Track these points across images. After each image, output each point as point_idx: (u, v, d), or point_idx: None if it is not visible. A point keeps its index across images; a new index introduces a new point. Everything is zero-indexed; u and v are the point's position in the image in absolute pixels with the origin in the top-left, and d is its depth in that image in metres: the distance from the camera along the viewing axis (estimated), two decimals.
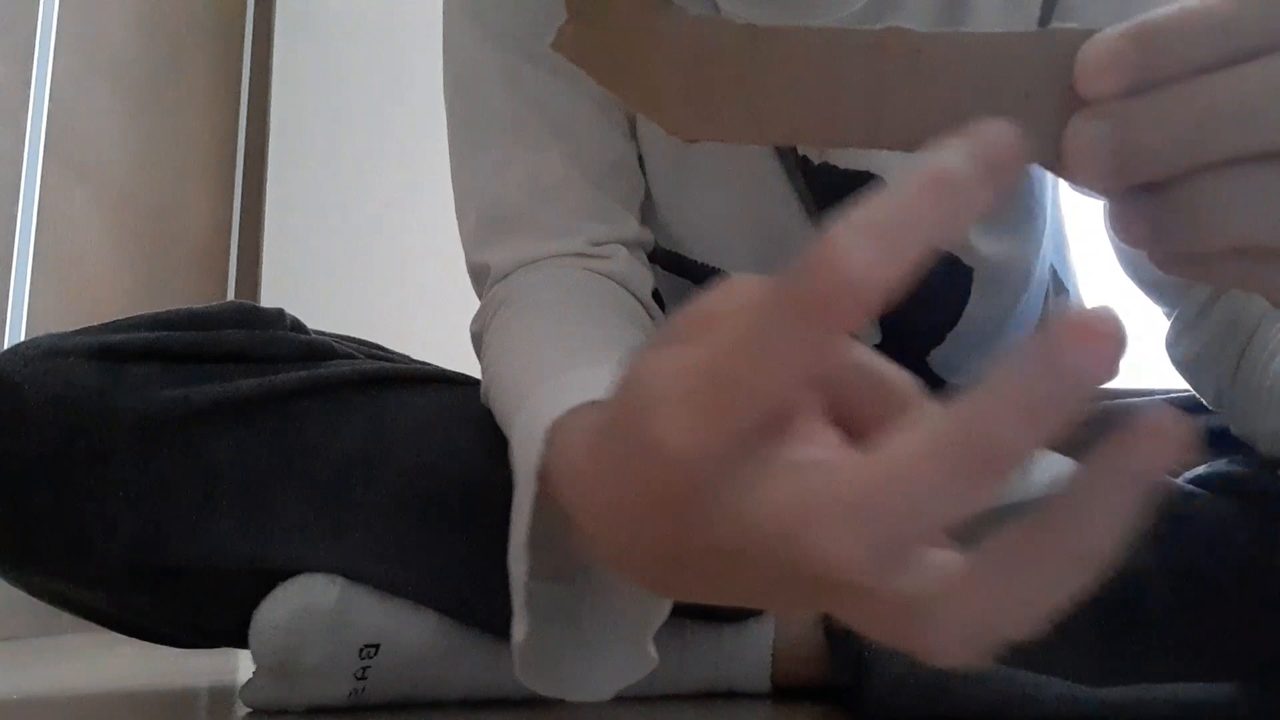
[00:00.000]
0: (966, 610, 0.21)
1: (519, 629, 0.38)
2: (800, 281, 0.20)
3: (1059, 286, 0.83)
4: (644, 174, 0.71)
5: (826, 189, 0.66)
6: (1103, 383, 0.19)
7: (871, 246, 0.20)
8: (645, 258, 0.68)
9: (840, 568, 0.21)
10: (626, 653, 0.41)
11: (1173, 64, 0.26)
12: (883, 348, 0.74)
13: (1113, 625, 0.58)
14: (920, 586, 0.22)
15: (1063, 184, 0.78)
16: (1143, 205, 0.27)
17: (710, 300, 0.25)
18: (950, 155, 0.21)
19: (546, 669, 0.41)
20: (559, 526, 0.42)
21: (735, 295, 0.24)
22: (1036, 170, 0.75)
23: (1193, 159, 0.26)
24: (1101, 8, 0.63)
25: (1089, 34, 0.26)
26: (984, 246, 0.72)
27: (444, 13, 0.71)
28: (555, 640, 0.41)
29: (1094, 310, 0.19)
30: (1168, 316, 0.66)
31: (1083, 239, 0.89)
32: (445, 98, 0.70)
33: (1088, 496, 0.21)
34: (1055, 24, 0.64)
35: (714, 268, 0.73)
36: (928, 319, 0.73)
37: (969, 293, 0.73)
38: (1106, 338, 0.19)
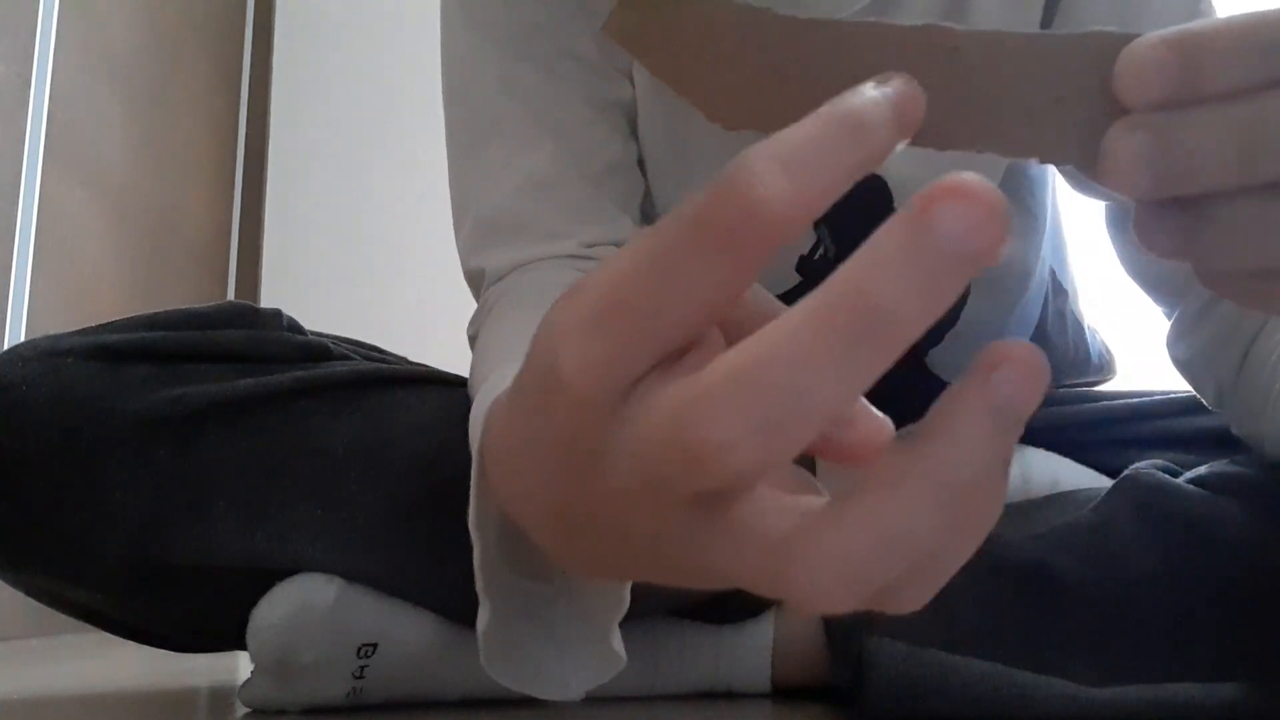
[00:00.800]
0: (833, 549, 0.20)
1: (481, 616, 0.38)
2: (709, 207, 0.20)
3: (1058, 288, 0.83)
4: (646, 173, 0.71)
5: None
6: (982, 249, 0.19)
7: (784, 177, 0.19)
8: None
9: (722, 455, 0.20)
10: (595, 652, 0.40)
11: (1215, 78, 0.25)
12: None
13: (1112, 625, 0.58)
14: (787, 524, 0.21)
15: (1061, 185, 0.78)
16: (1173, 217, 0.27)
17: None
18: (862, 98, 0.21)
19: (516, 664, 0.40)
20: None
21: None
22: (1036, 171, 0.76)
23: (1240, 180, 0.26)
24: (1101, 7, 0.63)
25: (1128, 38, 0.25)
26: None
27: (441, 16, 0.71)
28: (525, 636, 0.40)
29: (967, 176, 0.19)
30: (1168, 316, 0.66)
31: (1081, 240, 0.89)
32: (443, 101, 0.70)
33: (947, 427, 0.20)
34: (1092, 27, 0.64)
35: None
36: None
37: (967, 292, 0.73)
38: (976, 198, 0.18)
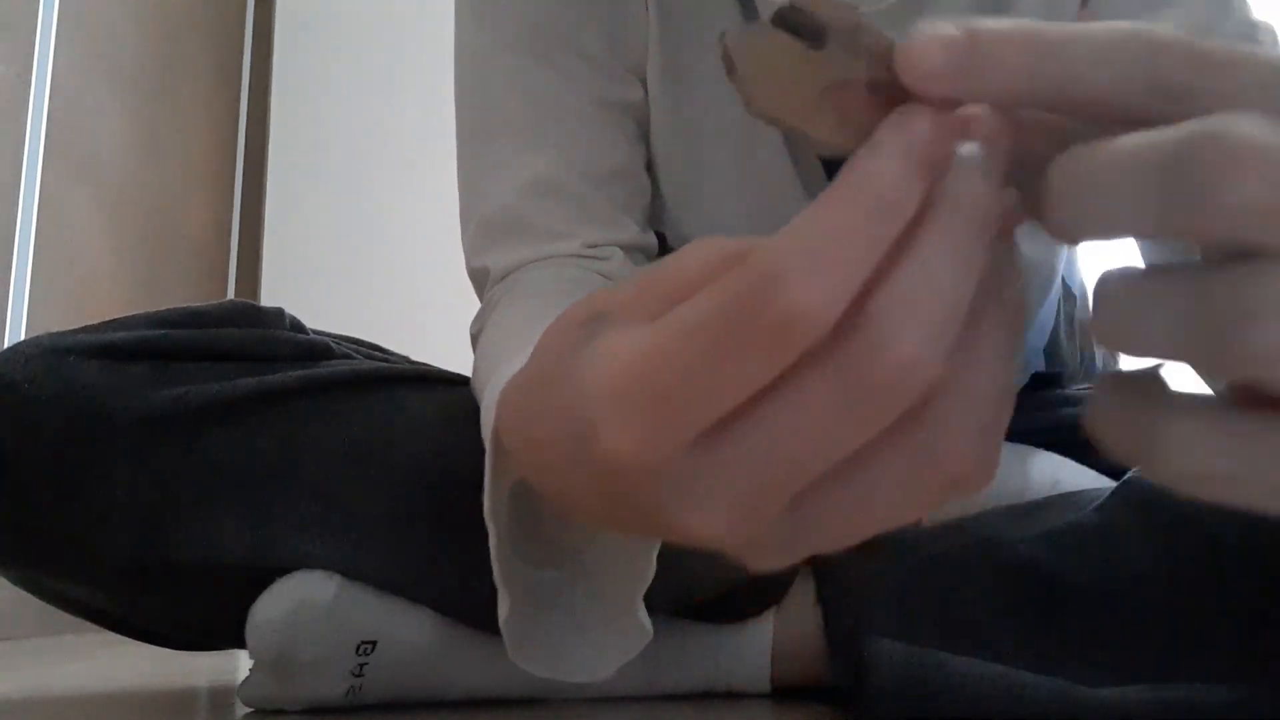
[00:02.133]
0: (727, 480, 0.21)
1: (501, 607, 0.38)
2: (742, 305, 0.21)
3: (1068, 294, 0.83)
4: (656, 177, 0.71)
5: None
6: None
7: (817, 281, 0.20)
8: (644, 261, 0.68)
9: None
10: (620, 629, 0.41)
11: (997, 70, 0.22)
12: None
13: (1112, 626, 0.58)
14: (676, 458, 0.22)
15: None
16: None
17: (665, 273, 0.25)
18: (884, 171, 0.21)
19: (542, 652, 0.41)
20: (537, 504, 0.42)
21: (690, 275, 0.24)
22: None
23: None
24: (1131, 5, 0.63)
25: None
26: (1025, 250, 0.72)
27: (455, 13, 0.71)
28: (549, 625, 0.41)
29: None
30: None
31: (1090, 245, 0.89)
32: (455, 99, 0.70)
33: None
34: (1090, 17, 0.63)
35: None
36: None
37: None
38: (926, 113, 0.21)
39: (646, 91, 0.69)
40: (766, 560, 0.25)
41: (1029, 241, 0.84)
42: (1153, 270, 0.21)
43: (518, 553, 0.40)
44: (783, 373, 0.21)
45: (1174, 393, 0.22)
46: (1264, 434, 0.21)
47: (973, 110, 0.22)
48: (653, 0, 0.67)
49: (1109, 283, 0.22)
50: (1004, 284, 0.22)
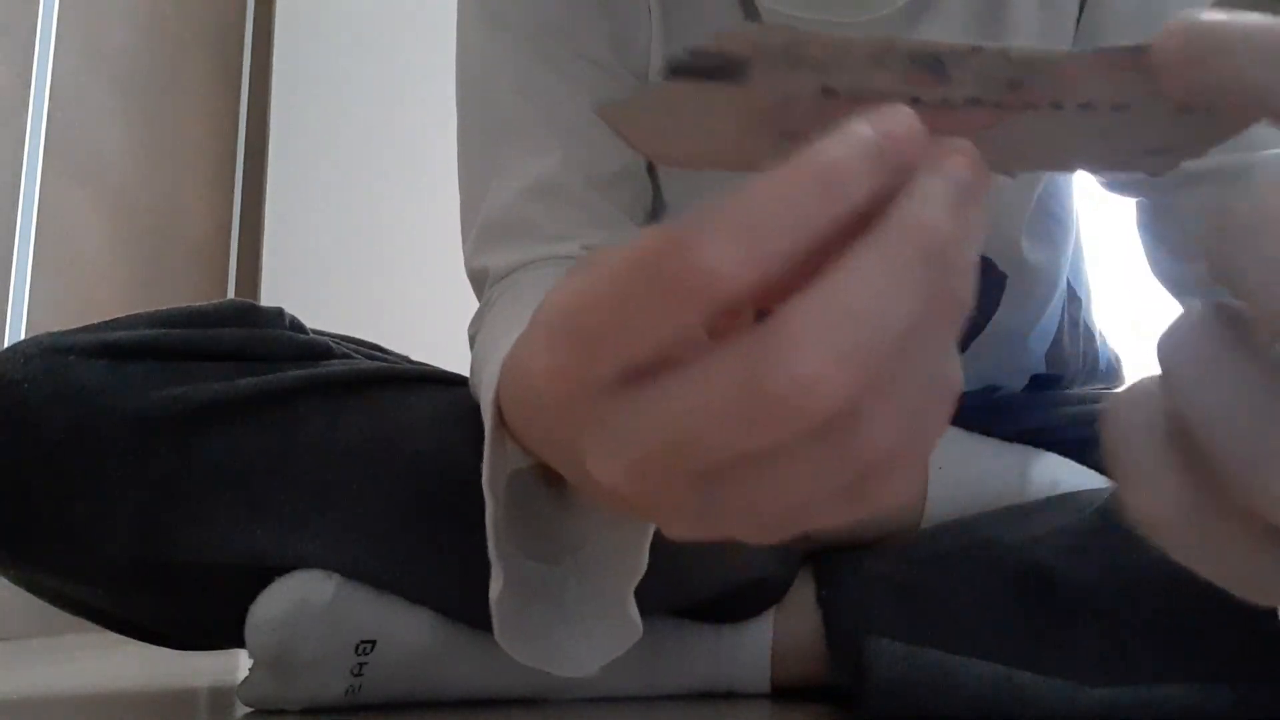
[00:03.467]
0: (632, 435, 0.21)
1: (494, 585, 0.38)
2: (657, 259, 0.20)
3: (1072, 295, 0.83)
4: (657, 181, 0.71)
5: None
6: (978, 184, 0.21)
7: (733, 245, 0.19)
8: None
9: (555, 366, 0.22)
10: (611, 624, 0.41)
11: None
12: None
13: (1112, 626, 0.58)
14: (589, 399, 0.22)
15: (1076, 190, 0.79)
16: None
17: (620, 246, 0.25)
18: (839, 148, 0.20)
19: (530, 641, 0.41)
20: (538, 497, 0.43)
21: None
22: (1062, 179, 0.76)
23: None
24: (1126, 5, 0.64)
25: (1039, 50, 0.24)
26: (1029, 254, 0.72)
27: (458, 15, 0.71)
28: (540, 616, 0.41)
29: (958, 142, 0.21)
30: None
31: (1093, 246, 0.89)
32: (456, 99, 0.70)
33: (910, 197, 0.21)
34: (1088, 20, 0.62)
35: None
36: None
37: (998, 303, 0.73)
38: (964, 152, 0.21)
39: None
40: (674, 529, 0.24)
41: (1037, 247, 0.84)
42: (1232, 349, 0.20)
43: (515, 543, 0.40)
44: (698, 350, 0.21)
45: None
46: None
47: (961, 143, 0.22)
48: (656, 3, 0.67)
49: (1182, 353, 0.21)
50: (952, 286, 0.21)
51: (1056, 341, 0.82)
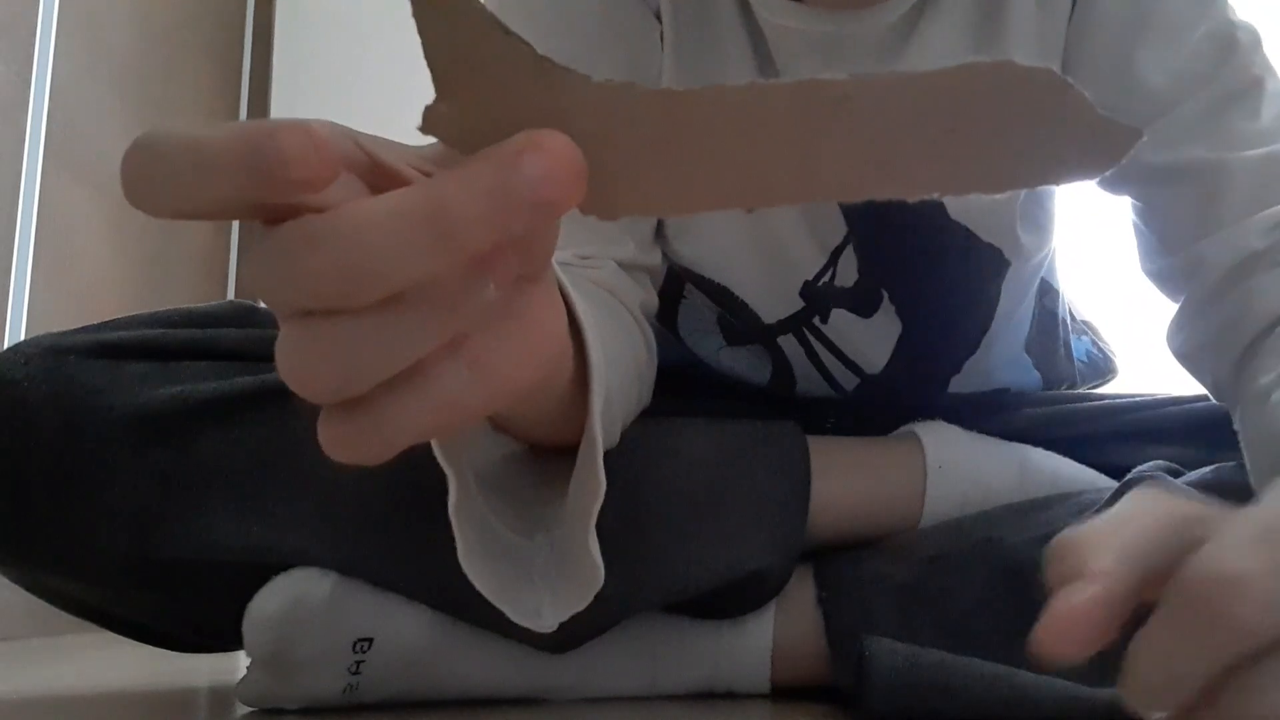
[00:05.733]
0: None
1: (451, 493, 0.38)
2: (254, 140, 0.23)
3: (1045, 288, 0.84)
4: None
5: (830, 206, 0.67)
6: (555, 199, 0.23)
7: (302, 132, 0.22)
8: (645, 278, 0.68)
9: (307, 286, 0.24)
10: (573, 582, 0.40)
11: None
12: (911, 352, 0.75)
13: None
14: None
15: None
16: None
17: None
18: (457, 191, 0.23)
19: (492, 583, 0.40)
20: (515, 472, 0.43)
21: None
22: None
23: None
24: (1114, 6, 0.64)
25: (1003, 66, 0.24)
26: (1024, 240, 0.73)
27: None
28: (502, 572, 0.40)
29: (551, 134, 0.23)
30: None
31: (1083, 244, 0.89)
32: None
33: (458, 172, 0.24)
34: (1078, 21, 0.62)
35: (725, 286, 0.74)
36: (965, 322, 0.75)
37: (994, 307, 0.74)
38: (556, 154, 0.23)
39: None
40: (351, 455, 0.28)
41: (1030, 233, 0.84)
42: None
43: (489, 507, 0.40)
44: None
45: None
46: None
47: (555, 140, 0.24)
48: (668, 30, 0.67)
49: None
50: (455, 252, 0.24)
51: (1031, 331, 0.83)
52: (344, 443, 0.28)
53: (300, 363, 0.26)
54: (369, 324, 0.25)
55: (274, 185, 0.23)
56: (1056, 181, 0.25)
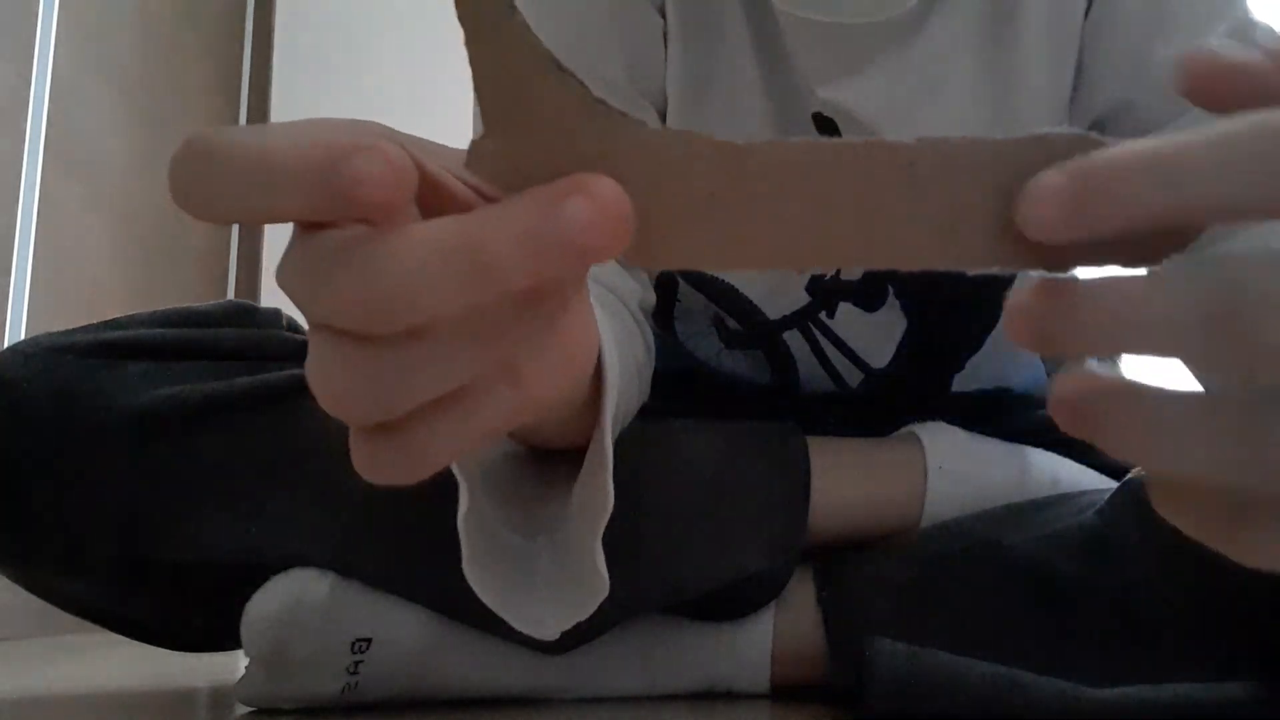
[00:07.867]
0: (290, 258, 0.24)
1: (461, 502, 0.38)
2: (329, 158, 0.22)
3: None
4: None
5: None
6: (597, 246, 0.22)
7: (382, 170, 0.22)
8: (644, 276, 0.68)
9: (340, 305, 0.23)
10: (575, 590, 0.40)
11: (1112, 207, 0.22)
12: (915, 347, 0.75)
13: (1114, 626, 0.58)
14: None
15: None
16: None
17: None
18: (501, 228, 0.22)
19: (495, 592, 0.40)
20: (515, 471, 0.42)
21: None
22: None
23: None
24: (1134, 4, 0.64)
25: (1081, 137, 0.23)
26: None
27: None
28: (505, 577, 0.40)
29: (600, 179, 0.22)
30: None
31: None
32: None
33: (497, 208, 0.23)
34: (1095, 18, 0.61)
35: (730, 284, 0.74)
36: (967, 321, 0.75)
37: (998, 313, 0.74)
38: (604, 201, 0.22)
39: (662, 118, 0.70)
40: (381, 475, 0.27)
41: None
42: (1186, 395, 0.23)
43: (492, 506, 0.40)
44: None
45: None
46: None
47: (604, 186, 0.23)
48: (673, 29, 0.67)
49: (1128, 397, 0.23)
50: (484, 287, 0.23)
51: None
52: (378, 465, 0.27)
53: (332, 384, 0.25)
54: (404, 352, 0.24)
55: (344, 206, 0.22)
56: (1117, 263, 0.25)
